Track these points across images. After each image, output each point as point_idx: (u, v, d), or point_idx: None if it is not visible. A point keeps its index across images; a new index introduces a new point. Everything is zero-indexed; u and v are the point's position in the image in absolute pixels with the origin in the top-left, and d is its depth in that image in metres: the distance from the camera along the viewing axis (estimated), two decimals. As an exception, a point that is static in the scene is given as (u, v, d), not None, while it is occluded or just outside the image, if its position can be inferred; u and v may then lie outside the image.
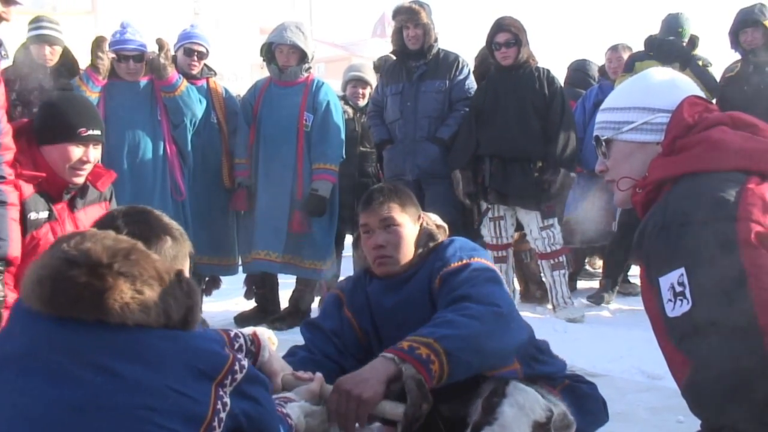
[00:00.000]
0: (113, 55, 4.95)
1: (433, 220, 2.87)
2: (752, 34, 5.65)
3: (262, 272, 5.36)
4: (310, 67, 5.34)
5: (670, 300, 1.71)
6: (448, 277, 2.52)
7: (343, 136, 5.29)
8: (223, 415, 1.51)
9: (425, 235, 2.73)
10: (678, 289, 1.69)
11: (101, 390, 1.41)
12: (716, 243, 1.67)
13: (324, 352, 2.65)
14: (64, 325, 1.46)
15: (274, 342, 2.36)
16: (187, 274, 1.74)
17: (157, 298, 1.50)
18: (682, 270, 1.69)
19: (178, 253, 1.76)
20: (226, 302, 5.92)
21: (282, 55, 5.26)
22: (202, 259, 5.17)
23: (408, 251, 2.66)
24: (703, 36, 6.16)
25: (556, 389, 2.61)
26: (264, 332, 2.29)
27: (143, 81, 5.02)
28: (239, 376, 1.56)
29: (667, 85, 2.05)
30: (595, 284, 6.47)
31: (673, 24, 5.93)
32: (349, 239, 6.11)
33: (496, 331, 2.33)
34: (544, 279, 5.71)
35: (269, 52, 5.35)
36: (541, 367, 2.68)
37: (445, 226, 2.92)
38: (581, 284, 6.66)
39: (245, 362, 1.60)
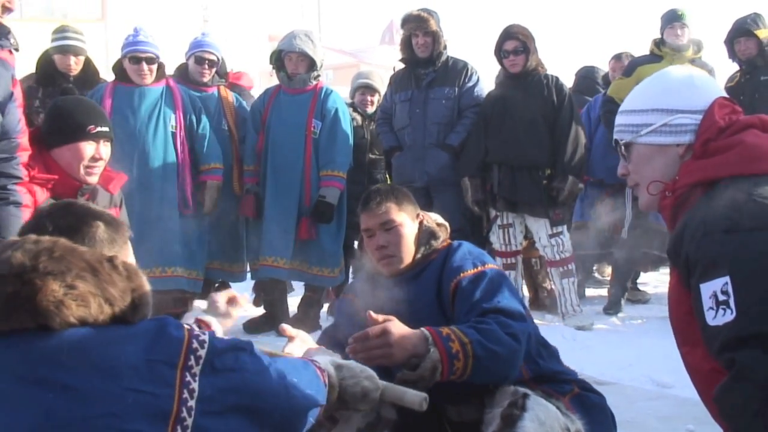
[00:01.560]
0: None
1: (433, 218, 2.92)
2: (745, 43, 5.64)
3: (270, 279, 5.37)
4: (319, 75, 5.36)
5: (712, 308, 1.68)
6: (468, 284, 2.57)
7: (351, 143, 5.31)
8: (192, 402, 1.44)
9: (427, 233, 2.79)
10: (721, 297, 1.66)
11: (56, 406, 1.35)
12: (763, 252, 1.64)
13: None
14: (8, 344, 1.41)
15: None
16: (128, 258, 1.70)
17: (94, 288, 1.45)
18: (727, 279, 1.65)
19: (115, 237, 1.70)
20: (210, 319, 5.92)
21: (291, 62, 5.29)
22: (212, 264, 5.19)
23: (410, 249, 2.74)
24: (712, 45, 6.15)
25: (566, 398, 2.62)
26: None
27: (155, 87, 5.01)
28: (203, 352, 1.49)
29: (685, 85, 2.00)
30: (603, 291, 6.46)
31: (672, 14, 5.88)
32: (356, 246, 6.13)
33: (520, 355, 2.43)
34: (552, 287, 5.70)
35: (279, 59, 5.38)
36: (547, 365, 2.69)
37: (446, 224, 2.96)
38: (590, 292, 6.64)
39: (205, 336, 1.52)
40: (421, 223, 2.81)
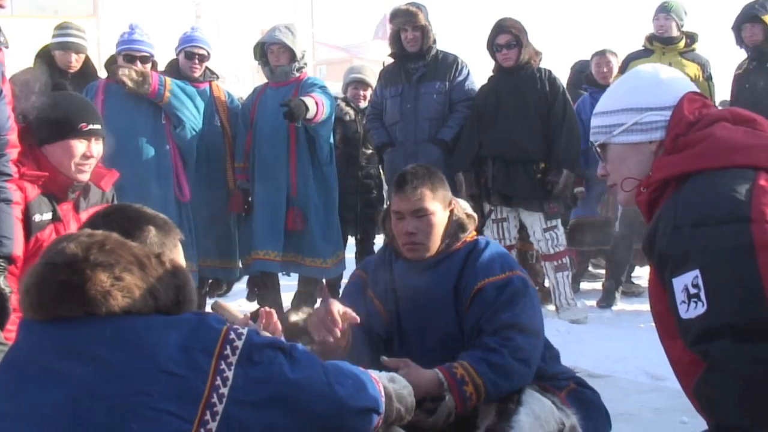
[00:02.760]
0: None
1: (463, 208, 2.92)
2: (751, 29, 5.59)
3: (263, 274, 5.36)
4: (301, 67, 5.32)
5: (684, 301, 1.69)
6: (492, 290, 2.61)
7: (331, 130, 5.26)
8: (224, 390, 1.48)
9: (455, 224, 2.80)
10: (692, 291, 1.67)
11: (93, 380, 1.44)
12: (731, 245, 1.65)
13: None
14: (55, 326, 1.50)
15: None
16: (177, 258, 1.78)
17: (140, 281, 1.53)
18: (697, 272, 1.67)
19: (165, 240, 1.79)
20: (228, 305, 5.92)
21: (273, 55, 5.27)
22: (205, 261, 5.18)
23: (438, 238, 2.75)
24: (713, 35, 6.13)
25: (562, 393, 2.63)
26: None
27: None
28: (239, 344, 1.54)
29: (653, 82, 2.03)
30: (597, 285, 6.47)
31: (660, 5, 5.86)
32: (351, 241, 6.12)
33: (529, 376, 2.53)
34: (547, 280, 5.70)
35: (263, 54, 5.37)
36: (547, 367, 2.72)
37: (475, 216, 2.97)
38: (584, 285, 6.65)
39: (243, 330, 1.58)
40: (452, 212, 2.81)
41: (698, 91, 2.05)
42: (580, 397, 2.72)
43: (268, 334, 1.91)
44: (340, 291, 3.49)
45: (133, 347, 1.47)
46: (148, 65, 4.96)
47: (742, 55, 5.85)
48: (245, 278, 5.64)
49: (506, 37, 5.26)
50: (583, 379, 2.90)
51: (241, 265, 5.51)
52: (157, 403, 1.43)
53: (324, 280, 5.62)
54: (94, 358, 1.46)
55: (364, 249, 5.92)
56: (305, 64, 5.35)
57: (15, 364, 1.54)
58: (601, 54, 6.30)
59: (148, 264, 1.57)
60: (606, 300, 5.85)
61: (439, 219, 2.75)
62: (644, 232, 1.94)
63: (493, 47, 5.33)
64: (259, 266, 5.27)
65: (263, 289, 5.49)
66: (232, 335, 1.55)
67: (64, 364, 1.46)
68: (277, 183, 5.18)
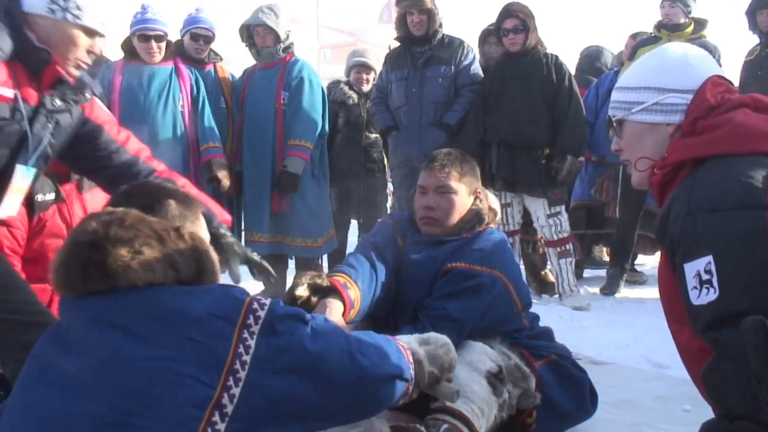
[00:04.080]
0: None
1: (490, 201, 2.97)
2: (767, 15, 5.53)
3: (270, 255, 5.36)
4: (287, 47, 5.29)
5: (695, 287, 1.67)
6: (459, 276, 2.68)
7: (318, 111, 5.23)
8: (246, 357, 1.54)
9: (474, 214, 2.86)
10: (705, 276, 1.65)
11: (121, 347, 1.52)
12: (746, 231, 1.63)
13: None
14: (85, 300, 1.59)
15: None
16: (198, 231, 1.84)
17: (159, 254, 1.61)
18: (710, 258, 1.64)
19: (186, 213, 1.85)
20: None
21: (259, 36, 5.26)
22: None
23: (454, 218, 2.82)
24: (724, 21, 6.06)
25: (539, 362, 2.68)
26: None
27: (165, 66, 5.00)
28: (262, 314, 1.60)
29: (680, 64, 1.98)
30: (601, 272, 6.45)
31: None
32: (354, 225, 6.10)
33: None
34: (549, 267, 5.68)
35: (250, 36, 5.35)
36: (526, 342, 2.75)
37: (497, 210, 3.00)
38: (588, 273, 6.63)
39: (266, 301, 1.63)
40: (475, 200, 2.87)
41: (723, 74, 2.00)
42: (560, 370, 2.75)
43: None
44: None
45: (158, 315, 1.55)
46: (163, 44, 4.95)
47: (750, 42, 5.80)
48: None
49: (513, 21, 5.22)
50: (573, 360, 2.91)
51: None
52: (181, 368, 1.49)
53: (321, 259, 5.63)
54: (121, 326, 1.54)
55: (366, 233, 5.90)
56: (291, 44, 5.33)
57: (53, 335, 1.65)
58: (635, 36, 6.21)
59: (166, 237, 1.64)
60: (610, 287, 5.83)
61: (460, 200, 2.82)
62: (653, 218, 1.91)
63: (499, 31, 5.29)
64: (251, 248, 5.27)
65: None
66: (255, 305, 1.61)
67: (94, 333, 1.55)
68: (264, 165, 5.19)
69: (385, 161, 5.93)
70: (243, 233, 5.45)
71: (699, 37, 5.71)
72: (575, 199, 6.07)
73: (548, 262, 5.77)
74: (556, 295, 5.54)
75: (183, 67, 5.07)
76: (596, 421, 2.94)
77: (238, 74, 5.67)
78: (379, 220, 5.89)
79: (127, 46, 5.03)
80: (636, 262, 6.56)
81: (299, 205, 5.22)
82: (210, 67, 5.31)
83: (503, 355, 2.55)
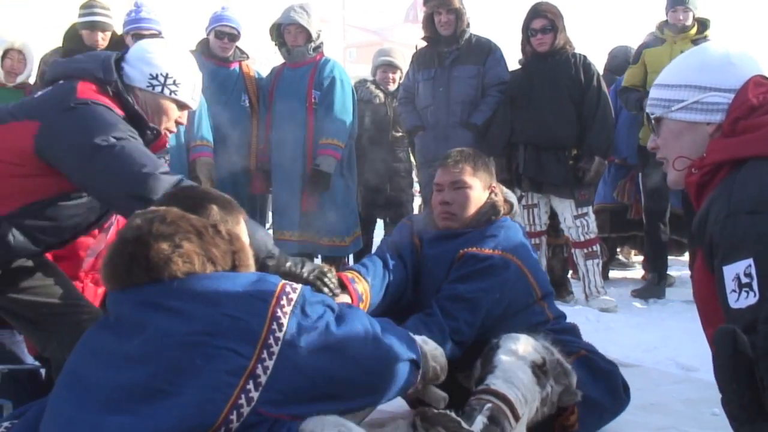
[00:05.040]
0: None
1: (505, 193, 3.03)
2: None
3: (300, 253, 5.38)
4: (317, 47, 5.31)
5: (734, 291, 1.63)
6: (471, 260, 2.73)
7: (349, 111, 5.24)
8: (279, 334, 1.67)
9: (490, 206, 2.92)
10: (744, 280, 1.61)
11: (164, 324, 1.66)
12: None
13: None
14: (130, 291, 1.72)
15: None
16: (238, 232, 1.97)
17: (198, 248, 1.73)
18: (750, 261, 1.61)
19: (227, 218, 1.98)
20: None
21: (290, 35, 5.27)
22: None
23: (470, 212, 2.88)
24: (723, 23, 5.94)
25: (571, 357, 2.65)
26: None
27: None
28: (294, 296, 1.74)
29: (722, 62, 1.94)
30: (628, 274, 6.40)
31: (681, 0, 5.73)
32: (380, 224, 6.10)
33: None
34: (578, 268, 5.63)
35: (279, 35, 5.35)
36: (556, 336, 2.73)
37: (513, 202, 3.05)
38: (614, 273, 6.58)
39: (298, 286, 1.78)
40: (491, 194, 2.93)
41: (765, 74, 1.95)
42: (591, 365, 2.74)
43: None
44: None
45: (198, 296, 1.68)
46: None
47: (751, 40, 5.71)
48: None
49: (542, 21, 5.18)
50: (601, 354, 2.89)
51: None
52: (219, 342, 1.63)
53: (348, 259, 5.64)
54: (164, 307, 1.67)
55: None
56: (321, 43, 5.35)
57: (102, 325, 1.80)
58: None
59: (205, 233, 1.76)
60: (648, 293, 5.73)
61: (476, 195, 2.89)
62: (679, 220, 1.87)
63: (528, 31, 5.26)
64: (278, 246, 5.27)
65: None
66: (288, 289, 1.75)
67: (140, 315, 1.69)
68: (294, 163, 5.20)
69: (412, 160, 5.92)
70: (271, 231, 5.48)
71: (703, 37, 5.62)
72: (598, 202, 6.01)
73: (568, 269, 5.73)
74: (583, 296, 5.49)
75: None
76: (624, 424, 2.91)
77: (264, 73, 5.69)
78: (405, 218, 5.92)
79: (120, 45, 4.98)
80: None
81: (328, 204, 5.23)
82: (235, 65, 5.32)
83: (546, 350, 2.55)
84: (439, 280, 2.78)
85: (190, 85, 2.78)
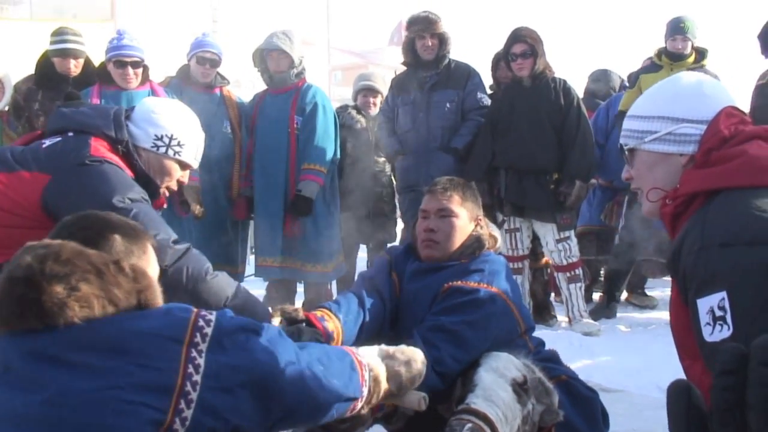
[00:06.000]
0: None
1: (491, 229, 2.97)
2: None
3: (279, 279, 5.37)
4: (300, 72, 5.31)
5: (709, 323, 1.62)
6: (456, 293, 2.66)
7: (331, 137, 5.24)
8: (197, 377, 1.50)
9: (475, 239, 2.85)
10: (718, 313, 1.60)
11: (65, 381, 1.45)
12: (760, 267, 1.58)
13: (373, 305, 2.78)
14: (21, 336, 1.50)
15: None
16: (145, 263, 1.79)
17: (97, 290, 1.51)
18: (724, 294, 1.59)
19: (132, 248, 1.79)
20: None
21: (273, 61, 5.27)
22: None
23: (455, 243, 2.80)
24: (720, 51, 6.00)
25: (551, 381, 2.61)
26: None
27: (142, 90, 4.93)
28: (209, 330, 1.55)
29: (694, 94, 1.95)
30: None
31: (676, 24, 5.78)
32: (363, 250, 6.08)
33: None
34: (560, 292, 5.62)
35: (263, 61, 5.36)
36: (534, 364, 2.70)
37: (498, 237, 3.00)
38: (597, 296, 6.57)
39: (212, 315, 1.59)
40: (476, 226, 2.87)
41: (737, 106, 1.97)
42: (572, 390, 2.71)
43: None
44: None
45: (101, 346, 1.48)
46: (140, 70, 4.92)
47: (748, 69, 5.77)
48: (264, 284, 5.68)
49: (522, 46, 5.20)
50: (581, 380, 2.87)
51: (246, 272, 5.54)
52: (130, 396, 1.44)
53: (330, 285, 5.62)
54: (64, 361, 1.46)
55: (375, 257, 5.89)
56: (303, 69, 5.35)
57: None
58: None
59: (106, 271, 1.55)
60: (600, 314, 5.78)
61: (461, 224, 2.82)
62: (662, 242, 1.87)
63: (507, 56, 5.29)
64: (262, 273, 5.34)
65: (278, 293, 5.49)
66: (201, 322, 1.56)
67: (36, 369, 1.47)
68: (276, 189, 5.19)
69: (394, 185, 5.92)
70: (254, 257, 5.46)
71: (700, 66, 5.67)
72: (583, 223, 6.02)
73: (550, 292, 5.73)
74: (566, 320, 5.48)
75: (159, 90, 5.02)
76: (605, 452, 2.89)
77: (248, 97, 5.68)
78: (387, 245, 5.91)
79: (101, 71, 5.00)
80: (646, 285, 6.51)
81: (310, 230, 5.21)
82: (216, 91, 5.31)
83: (528, 368, 2.52)
84: (421, 316, 2.70)
85: (194, 146, 2.84)
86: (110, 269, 1.56)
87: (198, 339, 1.54)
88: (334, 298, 5.67)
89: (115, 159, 2.64)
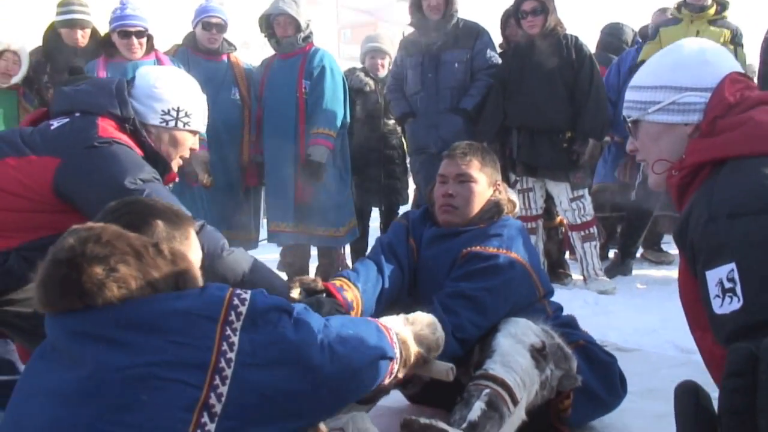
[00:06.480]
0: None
1: (509, 194, 2.97)
2: None
3: (294, 245, 5.39)
4: (307, 36, 5.26)
5: (718, 296, 1.59)
6: (472, 258, 2.66)
7: (340, 100, 5.20)
8: (231, 355, 1.53)
9: (494, 204, 2.85)
10: (727, 285, 1.57)
11: (103, 359, 1.50)
12: None
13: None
14: (65, 316, 1.56)
15: None
16: (186, 248, 1.83)
17: (136, 272, 1.56)
18: (733, 265, 1.56)
19: (174, 233, 1.83)
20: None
21: (279, 26, 5.22)
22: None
23: (474, 208, 2.81)
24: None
25: (569, 345, 2.63)
26: None
27: (147, 60, 4.87)
28: (243, 309, 1.58)
29: (697, 61, 1.90)
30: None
31: None
32: (375, 212, 6.07)
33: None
34: (575, 251, 5.59)
35: (269, 26, 5.30)
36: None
37: (516, 202, 2.99)
38: (613, 254, 6.53)
39: (246, 295, 1.62)
40: (495, 191, 2.87)
41: (742, 71, 1.92)
42: (590, 355, 2.72)
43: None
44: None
45: (137, 324, 1.52)
46: (144, 39, 4.87)
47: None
48: (278, 249, 5.72)
49: (532, 3, 5.11)
50: (599, 345, 2.89)
51: (260, 237, 5.56)
52: (165, 373, 1.48)
53: (344, 249, 5.62)
54: (103, 338, 1.52)
55: (388, 220, 5.87)
56: (311, 33, 5.30)
57: (41, 352, 1.64)
58: (663, 11, 6.08)
59: (144, 254, 1.59)
60: (615, 271, 5.75)
61: (480, 190, 2.82)
62: (677, 218, 1.83)
63: (518, 14, 5.20)
64: (275, 238, 5.35)
65: (292, 258, 5.53)
66: (236, 301, 1.59)
67: (77, 347, 1.53)
68: (287, 155, 5.17)
69: (405, 147, 5.88)
70: (266, 223, 5.46)
71: (721, 17, 5.56)
72: (598, 181, 5.97)
73: (564, 251, 5.71)
74: (581, 279, 5.46)
75: (165, 59, 4.98)
76: (623, 412, 2.87)
77: (258, 59, 5.63)
78: (400, 207, 5.90)
79: (106, 42, 4.96)
80: (662, 241, 6.46)
81: (322, 195, 5.20)
82: (223, 58, 5.27)
83: (546, 334, 2.53)
84: (439, 282, 2.70)
85: (201, 112, 2.83)
86: (149, 252, 1.60)
87: (233, 317, 1.57)
88: (347, 262, 5.74)
89: (124, 138, 2.62)
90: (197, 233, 2.58)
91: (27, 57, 5.32)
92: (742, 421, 1.09)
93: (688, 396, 1.21)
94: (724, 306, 1.58)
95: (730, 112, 1.79)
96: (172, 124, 2.75)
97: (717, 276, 1.60)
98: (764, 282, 1.53)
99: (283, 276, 5.59)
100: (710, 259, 1.62)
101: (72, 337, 1.55)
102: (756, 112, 1.76)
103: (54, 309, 1.58)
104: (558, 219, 5.60)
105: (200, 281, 1.69)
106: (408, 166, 5.98)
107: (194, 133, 2.84)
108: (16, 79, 5.30)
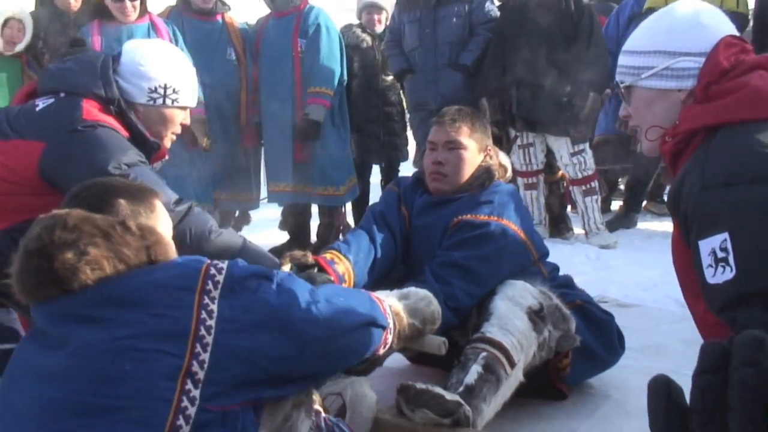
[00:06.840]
0: None
1: (501, 158, 2.94)
2: None
3: (294, 204, 5.40)
4: None
5: (711, 265, 1.58)
6: (463, 226, 2.65)
7: (336, 58, 5.15)
8: (211, 322, 1.55)
9: (484, 170, 2.82)
10: (720, 254, 1.56)
11: (85, 335, 1.54)
12: (763, 206, 1.53)
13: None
14: (48, 304, 1.59)
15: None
16: (154, 221, 1.86)
17: (106, 251, 1.58)
18: (726, 235, 1.55)
19: (138, 209, 1.85)
20: (256, 236, 5.90)
21: None
22: (221, 195, 5.19)
23: (464, 175, 2.78)
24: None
25: (567, 305, 2.64)
26: None
27: (141, 23, 4.79)
28: (221, 278, 1.61)
29: (690, 24, 1.85)
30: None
31: None
32: (376, 169, 6.05)
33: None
34: (576, 205, 5.57)
35: None
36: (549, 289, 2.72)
37: (508, 166, 2.98)
38: (616, 206, 6.51)
39: (223, 264, 1.64)
40: (486, 157, 2.83)
41: (738, 34, 1.87)
42: (587, 314, 2.73)
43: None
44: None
45: (116, 300, 1.56)
46: (137, 2, 4.77)
47: None
48: (279, 209, 5.73)
49: (529, -46, 5.01)
50: (597, 304, 2.90)
51: (261, 197, 5.56)
52: (146, 344, 1.51)
53: (344, 208, 5.61)
54: (83, 317, 1.55)
55: (388, 177, 5.85)
56: None
57: (31, 337, 1.69)
58: None
59: (112, 233, 1.61)
60: (618, 224, 5.74)
61: (470, 156, 2.78)
62: (670, 186, 1.81)
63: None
64: (275, 198, 5.37)
65: (293, 219, 5.53)
66: (213, 271, 1.62)
67: (59, 329, 1.57)
68: (284, 114, 5.13)
69: (404, 104, 5.83)
70: (266, 183, 5.45)
71: None
72: (600, 133, 5.92)
73: (566, 205, 5.68)
74: (582, 234, 5.45)
75: (159, 22, 4.89)
76: (622, 369, 2.89)
77: (253, 17, 5.56)
78: (400, 164, 5.87)
79: (98, 6, 4.86)
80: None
81: (321, 154, 5.18)
82: (218, 18, 5.19)
83: (544, 296, 2.54)
84: (432, 251, 2.68)
85: (189, 87, 2.78)
86: (117, 230, 1.62)
87: (210, 286, 1.59)
88: (348, 220, 5.73)
89: (109, 120, 2.58)
90: (185, 216, 2.58)
91: (31, 25, 5.29)
92: (712, 419, 1.08)
93: (659, 390, 1.20)
94: (717, 276, 1.57)
95: (724, 78, 1.75)
96: (159, 102, 2.71)
97: (710, 245, 1.58)
98: (757, 252, 1.52)
99: (285, 235, 5.61)
100: (703, 229, 1.61)
101: (54, 320, 1.58)
102: (751, 77, 1.72)
103: (34, 298, 1.61)
104: (559, 173, 5.57)
105: (173, 251, 1.72)
106: (407, 122, 5.93)
107: (184, 108, 2.80)
108: (20, 46, 5.28)
